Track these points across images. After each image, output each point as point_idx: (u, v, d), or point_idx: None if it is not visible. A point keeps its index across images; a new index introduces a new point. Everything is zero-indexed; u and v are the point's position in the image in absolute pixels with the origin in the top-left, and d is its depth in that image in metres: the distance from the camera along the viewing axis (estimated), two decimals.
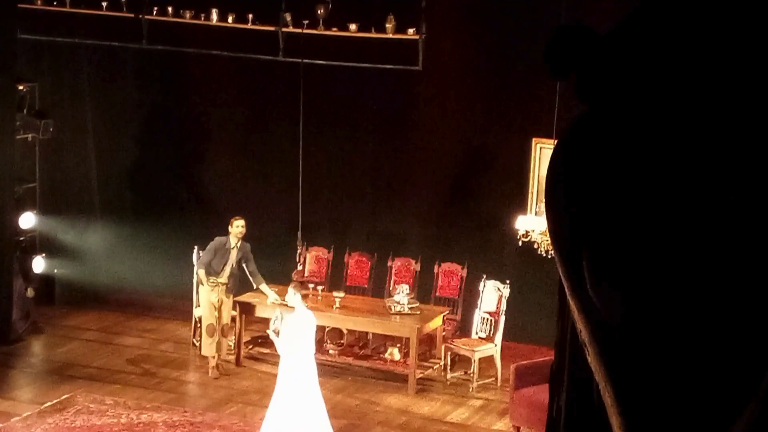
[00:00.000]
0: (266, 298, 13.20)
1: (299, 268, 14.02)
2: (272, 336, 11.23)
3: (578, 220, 1.82)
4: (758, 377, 1.67)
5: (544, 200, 2.00)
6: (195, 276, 13.49)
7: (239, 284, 13.33)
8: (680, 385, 1.75)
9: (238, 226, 13.17)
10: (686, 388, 1.75)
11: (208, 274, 13.06)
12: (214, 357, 13.14)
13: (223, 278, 13.08)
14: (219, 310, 13.08)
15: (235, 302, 13.34)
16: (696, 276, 1.73)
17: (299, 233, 13.78)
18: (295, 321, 10.99)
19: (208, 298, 13.11)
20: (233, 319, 13.38)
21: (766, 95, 1.84)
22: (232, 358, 13.54)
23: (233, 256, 13.11)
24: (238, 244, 13.16)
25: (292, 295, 11.15)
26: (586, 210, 1.81)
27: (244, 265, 13.21)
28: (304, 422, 10.82)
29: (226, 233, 13.22)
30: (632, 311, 1.78)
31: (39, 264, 15.08)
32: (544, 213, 2.03)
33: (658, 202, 1.77)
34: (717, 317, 1.72)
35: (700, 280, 1.74)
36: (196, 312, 13.72)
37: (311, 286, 13.63)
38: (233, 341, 13.52)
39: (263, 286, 13.23)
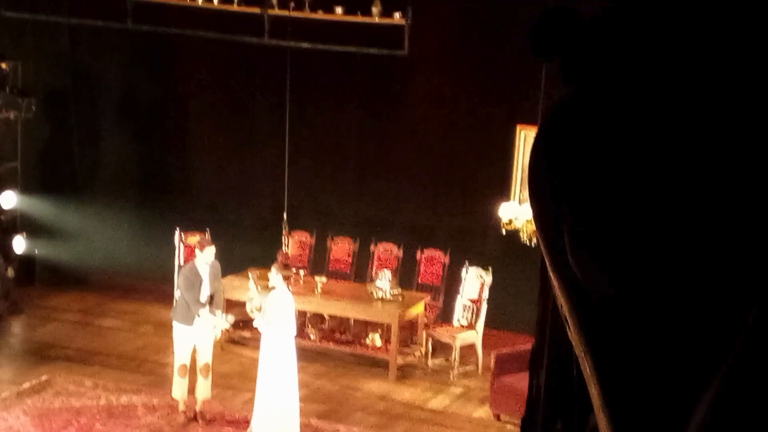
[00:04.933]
0: (248, 281, 13.04)
1: (285, 250, 13.93)
2: (254, 314, 11.15)
3: (560, 192, 1.83)
4: (732, 343, 1.71)
5: (528, 180, 1.99)
6: (196, 319, 11.22)
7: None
8: (656, 353, 1.79)
9: (209, 252, 11.41)
10: (662, 356, 1.79)
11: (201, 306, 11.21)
12: (184, 400, 11.49)
13: (206, 308, 11.25)
14: (194, 350, 11.35)
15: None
16: (676, 247, 1.76)
17: (285, 215, 13.72)
18: (275, 301, 10.96)
19: (185, 336, 11.29)
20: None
21: (757, 76, 1.81)
22: (216, 405, 11.84)
23: (207, 278, 11.30)
24: (209, 264, 11.37)
25: (275, 275, 11.12)
26: (569, 182, 1.81)
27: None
28: (280, 403, 10.82)
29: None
30: (612, 280, 1.80)
31: (20, 244, 15.00)
32: (528, 198, 2.03)
33: (641, 176, 1.78)
34: (693, 288, 1.76)
35: (679, 252, 1.76)
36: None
37: (293, 270, 13.56)
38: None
39: (218, 312, 11.38)
